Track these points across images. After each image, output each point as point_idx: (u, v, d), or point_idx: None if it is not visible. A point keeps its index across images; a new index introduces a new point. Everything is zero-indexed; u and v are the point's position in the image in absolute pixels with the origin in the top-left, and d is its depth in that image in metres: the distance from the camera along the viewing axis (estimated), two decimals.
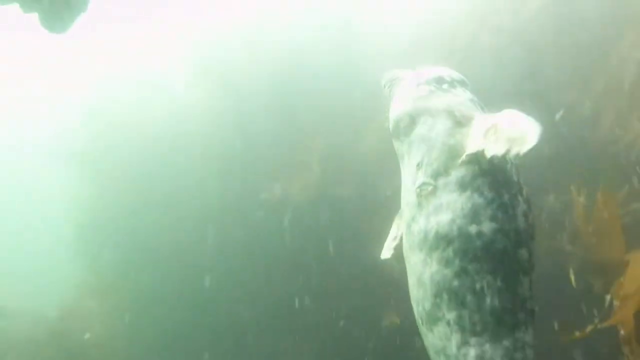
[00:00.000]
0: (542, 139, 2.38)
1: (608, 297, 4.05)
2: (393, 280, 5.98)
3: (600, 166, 5.16)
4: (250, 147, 8.16)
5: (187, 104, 10.23)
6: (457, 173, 2.66)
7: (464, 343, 2.47)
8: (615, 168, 5.04)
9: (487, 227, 2.47)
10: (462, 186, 2.62)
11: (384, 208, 6.37)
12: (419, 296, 2.64)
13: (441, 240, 2.57)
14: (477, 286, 2.45)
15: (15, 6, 4.17)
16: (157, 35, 12.68)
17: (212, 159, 8.75)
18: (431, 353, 2.66)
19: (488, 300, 2.45)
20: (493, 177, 2.64)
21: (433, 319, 2.58)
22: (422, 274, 2.61)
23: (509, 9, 6.66)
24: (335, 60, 8.99)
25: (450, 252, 2.50)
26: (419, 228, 2.69)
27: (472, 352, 2.48)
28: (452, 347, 2.49)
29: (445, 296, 2.52)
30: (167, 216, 8.50)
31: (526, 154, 2.40)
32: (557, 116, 5.64)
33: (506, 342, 2.47)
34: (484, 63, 6.36)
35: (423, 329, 2.71)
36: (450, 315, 2.48)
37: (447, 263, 2.50)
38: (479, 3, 7.42)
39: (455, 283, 2.48)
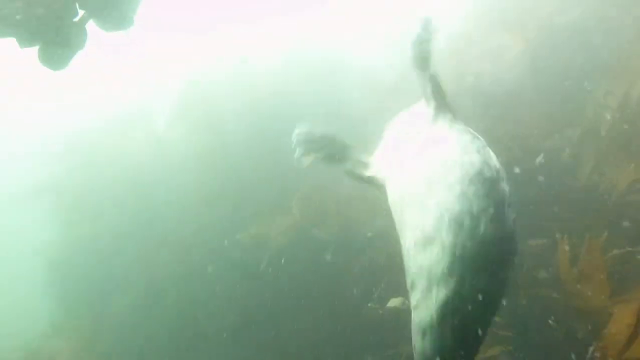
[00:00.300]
0: None
1: (591, 348, 4.00)
2: (373, 323, 5.86)
3: (581, 212, 5.17)
4: (231, 185, 8.08)
5: (169, 139, 10.20)
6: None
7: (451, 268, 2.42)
8: (595, 214, 5.05)
9: (475, 158, 2.71)
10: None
11: (364, 250, 6.36)
12: (419, 221, 2.69)
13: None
14: (475, 210, 2.54)
15: (13, 40, 4.15)
16: (142, 68, 12.77)
17: (191, 195, 8.64)
18: (412, 271, 2.63)
19: (482, 226, 2.49)
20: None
21: (429, 241, 2.59)
22: (427, 200, 2.70)
23: (491, 56, 6.81)
24: (318, 101, 9.07)
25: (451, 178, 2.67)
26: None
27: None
28: (439, 269, 2.46)
29: (446, 218, 2.57)
30: (143, 252, 8.30)
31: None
32: (538, 160, 5.70)
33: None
34: (467, 104, 6.46)
35: (412, 251, 2.69)
36: (448, 238, 2.51)
37: (449, 188, 2.64)
38: (462, 47, 7.61)
39: (457, 207, 2.55)
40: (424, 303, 2.43)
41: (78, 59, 4.50)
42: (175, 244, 8.23)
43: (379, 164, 3.51)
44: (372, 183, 3.42)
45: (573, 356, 4.26)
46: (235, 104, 9.48)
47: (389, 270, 5.97)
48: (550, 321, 4.59)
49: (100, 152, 10.31)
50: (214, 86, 9.99)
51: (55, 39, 4.14)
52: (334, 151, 3.72)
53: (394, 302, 5.80)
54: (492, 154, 2.82)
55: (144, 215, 9.06)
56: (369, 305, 5.93)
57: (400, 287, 5.97)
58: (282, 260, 6.59)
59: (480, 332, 2.36)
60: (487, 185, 2.62)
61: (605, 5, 6.65)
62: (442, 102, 3.07)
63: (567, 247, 4.28)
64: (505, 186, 2.72)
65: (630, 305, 3.92)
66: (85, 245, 9.42)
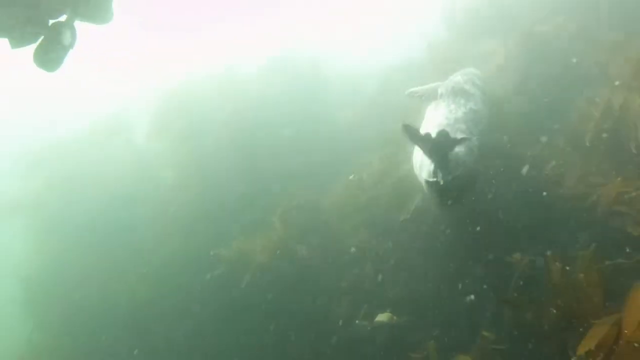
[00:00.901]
0: None
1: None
2: (362, 340, 5.74)
3: (569, 223, 5.12)
4: (212, 200, 7.93)
5: (149, 151, 10.01)
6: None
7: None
8: (583, 225, 5.00)
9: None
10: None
11: (347, 266, 6.24)
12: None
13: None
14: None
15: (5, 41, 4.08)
16: (120, 75, 12.54)
17: (172, 209, 8.46)
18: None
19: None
20: None
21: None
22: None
23: (473, 64, 6.76)
24: (301, 110, 8.98)
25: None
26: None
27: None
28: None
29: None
30: (124, 271, 8.07)
31: None
32: (524, 171, 5.65)
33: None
34: None
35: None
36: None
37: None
38: (441, 54, 7.59)
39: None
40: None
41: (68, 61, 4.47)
42: (155, 260, 8.04)
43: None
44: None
45: None
46: (217, 114, 9.35)
47: (376, 285, 5.87)
48: (543, 334, 4.54)
49: (78, 166, 10.08)
50: (196, 96, 9.85)
51: (48, 38, 4.09)
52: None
53: (382, 318, 5.70)
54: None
55: (123, 230, 8.85)
56: (357, 322, 5.81)
57: (387, 302, 5.89)
58: (265, 277, 6.44)
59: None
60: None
61: (585, 14, 6.68)
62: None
63: (558, 263, 4.20)
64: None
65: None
66: (63, 262, 9.17)
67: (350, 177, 6.77)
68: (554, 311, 4.35)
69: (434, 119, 5.46)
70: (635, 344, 3.06)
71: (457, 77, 6.04)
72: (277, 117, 8.83)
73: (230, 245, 6.85)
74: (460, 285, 5.37)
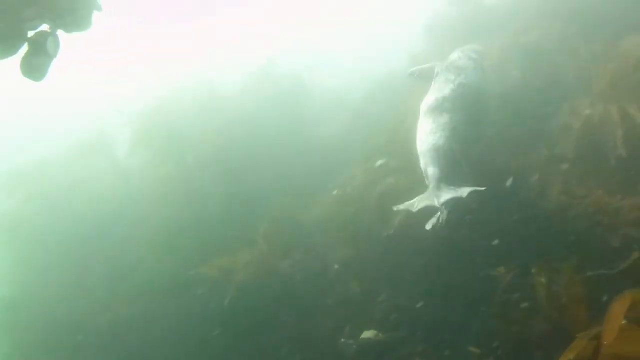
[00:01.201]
0: None
1: None
2: (347, 358, 5.64)
3: (552, 235, 5.08)
4: (195, 216, 7.80)
5: (130, 168, 9.86)
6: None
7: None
8: (566, 237, 4.97)
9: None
10: None
11: (332, 282, 6.14)
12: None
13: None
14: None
15: None
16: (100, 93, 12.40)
17: (154, 227, 8.31)
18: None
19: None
20: None
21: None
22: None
23: None
24: (285, 129, 8.92)
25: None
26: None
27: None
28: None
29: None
30: (102, 291, 7.89)
31: None
32: (508, 183, 5.62)
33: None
34: None
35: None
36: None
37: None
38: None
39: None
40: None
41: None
42: (137, 278, 7.87)
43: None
44: None
45: None
46: (199, 131, 9.24)
47: (361, 302, 5.78)
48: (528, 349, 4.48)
49: (57, 183, 9.90)
50: (177, 112, 9.74)
51: (33, 47, 4.09)
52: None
53: (367, 335, 5.61)
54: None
55: (103, 249, 8.68)
56: (342, 340, 5.70)
57: (373, 319, 5.80)
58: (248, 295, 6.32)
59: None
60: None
61: (567, 26, 6.71)
62: None
63: (543, 279, 4.15)
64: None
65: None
66: (43, 281, 8.96)
67: (334, 191, 6.70)
68: (539, 325, 4.30)
69: (427, 101, 5.67)
70: (614, 356, 3.00)
71: (454, 55, 6.20)
72: (261, 132, 8.75)
73: (212, 263, 6.72)
74: (446, 300, 5.30)
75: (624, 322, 3.10)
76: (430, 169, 5.09)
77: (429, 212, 5.16)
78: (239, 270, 6.43)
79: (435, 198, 4.78)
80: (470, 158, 5.25)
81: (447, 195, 4.77)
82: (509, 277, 4.91)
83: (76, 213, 9.38)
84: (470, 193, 4.73)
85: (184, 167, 8.61)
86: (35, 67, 4.15)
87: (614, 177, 5.06)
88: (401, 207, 5.04)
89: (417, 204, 4.89)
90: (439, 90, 5.69)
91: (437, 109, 5.50)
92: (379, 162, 6.29)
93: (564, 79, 6.38)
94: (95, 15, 4.35)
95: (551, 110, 6.00)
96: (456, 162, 5.12)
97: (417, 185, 5.21)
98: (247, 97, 9.49)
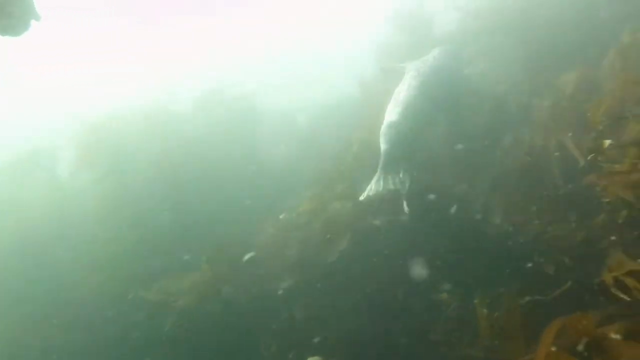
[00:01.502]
0: None
1: None
2: None
3: (493, 261, 5.16)
4: (138, 239, 7.54)
5: (72, 188, 9.49)
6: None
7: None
8: (506, 262, 5.06)
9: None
10: None
11: (276, 308, 6.02)
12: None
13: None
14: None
15: None
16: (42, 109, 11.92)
17: (95, 250, 7.99)
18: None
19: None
20: None
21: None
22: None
23: None
24: (234, 152, 8.80)
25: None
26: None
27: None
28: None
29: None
30: (32, 318, 7.46)
31: None
32: (452, 210, 5.70)
33: None
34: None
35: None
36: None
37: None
38: (373, 92, 7.67)
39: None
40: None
41: None
42: (75, 302, 7.51)
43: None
44: None
45: None
46: (146, 152, 9.01)
47: (305, 328, 5.68)
48: None
49: None
50: (124, 131, 9.47)
51: None
52: None
53: None
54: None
55: (42, 273, 8.27)
56: None
57: (317, 345, 5.70)
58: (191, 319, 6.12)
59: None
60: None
61: (509, 60, 6.95)
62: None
63: (484, 310, 4.20)
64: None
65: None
66: None
67: (281, 216, 6.63)
68: (480, 352, 4.32)
69: (394, 92, 6.17)
70: None
71: (426, 56, 6.66)
72: (210, 155, 8.61)
73: (154, 286, 6.48)
74: (390, 326, 5.28)
75: (553, 348, 3.14)
76: (382, 146, 5.58)
77: (375, 241, 5.20)
78: (182, 294, 6.22)
79: (380, 181, 5.34)
80: (422, 139, 5.93)
81: (390, 182, 5.33)
82: (452, 303, 4.94)
83: (14, 233, 8.92)
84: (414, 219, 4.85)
85: (129, 188, 8.33)
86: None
87: (551, 207, 5.21)
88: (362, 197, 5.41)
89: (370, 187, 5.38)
90: (405, 81, 6.20)
91: (401, 95, 6.01)
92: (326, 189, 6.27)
93: (507, 109, 6.57)
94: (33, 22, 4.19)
95: (494, 139, 6.15)
96: (408, 140, 5.66)
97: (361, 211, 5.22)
98: (197, 118, 9.34)
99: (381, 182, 5.38)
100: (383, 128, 5.73)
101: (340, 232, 5.74)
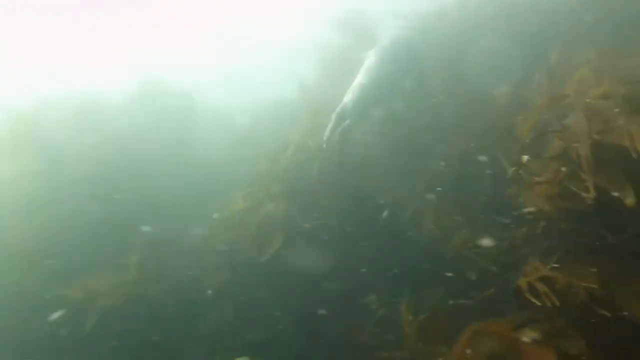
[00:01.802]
0: None
1: None
2: None
3: (420, 267, 5.28)
4: (62, 236, 7.19)
5: None
6: None
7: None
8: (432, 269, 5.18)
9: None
10: None
11: (205, 308, 5.91)
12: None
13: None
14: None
15: None
16: None
17: (15, 246, 7.56)
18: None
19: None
20: None
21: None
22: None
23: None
24: (169, 149, 8.58)
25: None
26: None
27: None
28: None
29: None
30: None
31: None
32: (384, 215, 5.78)
33: None
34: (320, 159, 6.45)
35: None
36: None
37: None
38: (312, 95, 7.68)
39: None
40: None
41: None
42: None
43: None
44: None
45: None
46: (75, 146, 8.62)
47: (234, 328, 5.61)
48: None
49: None
50: (52, 123, 9.02)
51: None
52: None
53: None
54: None
55: None
56: None
57: (246, 345, 5.63)
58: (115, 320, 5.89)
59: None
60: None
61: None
62: None
63: (410, 316, 4.28)
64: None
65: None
66: None
67: (214, 215, 6.52)
68: (405, 354, 4.40)
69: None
70: None
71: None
72: (143, 151, 8.35)
73: (76, 285, 6.20)
74: (318, 327, 5.30)
75: (468, 351, 3.24)
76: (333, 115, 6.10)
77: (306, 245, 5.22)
78: (106, 293, 5.99)
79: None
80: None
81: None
82: (380, 306, 5.01)
83: None
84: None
85: (55, 184, 7.94)
86: None
87: (479, 215, 5.38)
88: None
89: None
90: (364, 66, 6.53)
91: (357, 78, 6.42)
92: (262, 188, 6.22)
93: (443, 117, 6.71)
94: None
95: (429, 146, 6.28)
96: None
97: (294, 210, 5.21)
98: (132, 112, 9.05)
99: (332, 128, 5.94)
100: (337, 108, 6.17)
101: (274, 233, 5.71)
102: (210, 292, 5.76)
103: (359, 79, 6.43)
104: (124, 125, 8.56)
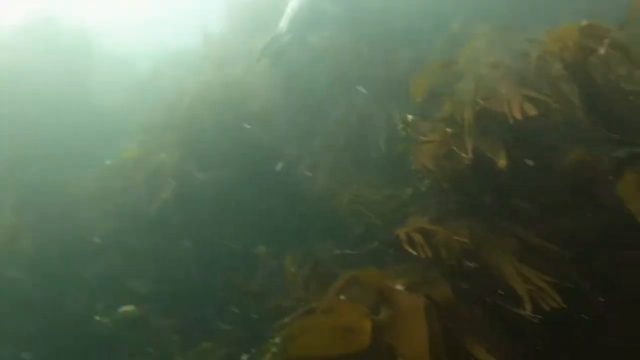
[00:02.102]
0: None
1: None
2: (102, 337, 5.29)
3: (312, 219, 5.39)
4: None
5: None
6: None
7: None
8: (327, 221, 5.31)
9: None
10: None
11: (90, 257, 5.69)
12: None
13: None
14: None
15: None
16: None
17: None
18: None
19: None
20: None
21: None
22: None
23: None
24: (62, 94, 8.01)
25: None
26: None
27: None
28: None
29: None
30: None
31: None
32: (278, 167, 5.81)
33: None
34: (219, 111, 6.33)
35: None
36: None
37: None
38: (217, 48, 7.46)
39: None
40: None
41: None
42: None
43: None
44: None
45: None
46: None
47: (120, 277, 5.47)
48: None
49: None
50: None
51: None
52: None
53: (126, 310, 5.35)
54: None
55: None
56: (97, 317, 5.33)
57: (133, 294, 5.50)
58: None
59: None
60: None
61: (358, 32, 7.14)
62: None
63: (293, 266, 4.38)
64: None
65: None
66: None
67: (107, 162, 6.24)
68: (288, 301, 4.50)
69: None
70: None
71: None
72: (33, 94, 7.72)
73: None
74: (207, 276, 5.30)
75: (341, 297, 3.39)
76: None
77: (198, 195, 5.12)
78: None
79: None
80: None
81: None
82: (269, 258, 5.08)
83: None
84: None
85: None
86: None
87: (373, 172, 5.56)
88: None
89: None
90: None
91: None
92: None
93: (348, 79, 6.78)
94: None
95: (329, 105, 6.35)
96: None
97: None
98: (15, 49, 8.27)
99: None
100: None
101: (165, 182, 5.57)
102: (97, 239, 5.56)
103: (292, 4, 6.83)
104: (3, 62, 7.83)
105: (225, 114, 6.33)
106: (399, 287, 3.48)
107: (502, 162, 3.99)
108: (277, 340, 3.25)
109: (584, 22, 4.00)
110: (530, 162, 4.33)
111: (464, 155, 4.12)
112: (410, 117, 4.63)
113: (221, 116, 6.29)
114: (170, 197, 5.41)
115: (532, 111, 4.16)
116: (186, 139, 5.83)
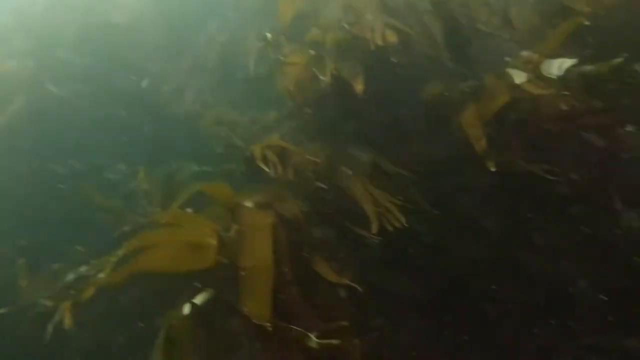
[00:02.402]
0: None
1: None
2: None
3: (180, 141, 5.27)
4: None
5: None
6: None
7: None
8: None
9: None
10: None
11: None
12: None
13: None
14: None
15: None
16: None
17: None
18: None
19: None
20: None
21: None
22: None
23: None
24: None
25: None
26: None
27: None
28: None
29: None
30: None
31: None
32: (143, 84, 5.54)
33: None
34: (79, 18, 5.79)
35: None
36: None
37: None
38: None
39: None
40: None
41: None
42: None
43: None
44: None
45: None
46: None
47: None
48: None
49: None
50: None
51: None
52: None
53: None
54: None
55: None
56: None
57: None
58: None
59: None
60: None
61: None
62: None
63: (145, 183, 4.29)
64: None
65: None
66: None
67: None
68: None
69: None
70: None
71: None
72: None
73: None
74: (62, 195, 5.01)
75: (188, 210, 3.40)
76: None
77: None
78: None
79: None
80: None
81: None
82: (128, 176, 4.93)
83: None
84: None
85: None
86: None
87: (240, 94, 5.48)
88: None
89: None
90: None
91: None
92: None
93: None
94: None
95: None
96: None
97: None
98: None
99: None
100: None
101: (15, 93, 5.09)
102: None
103: None
104: None
105: (88, 23, 5.83)
106: (249, 204, 3.53)
107: (359, 87, 4.10)
108: (120, 253, 3.18)
109: None
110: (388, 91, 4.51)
111: (322, 77, 4.17)
112: (269, 35, 4.56)
113: (83, 26, 5.78)
114: (20, 109, 4.95)
115: (392, 37, 4.26)
116: (39, 45, 5.30)
